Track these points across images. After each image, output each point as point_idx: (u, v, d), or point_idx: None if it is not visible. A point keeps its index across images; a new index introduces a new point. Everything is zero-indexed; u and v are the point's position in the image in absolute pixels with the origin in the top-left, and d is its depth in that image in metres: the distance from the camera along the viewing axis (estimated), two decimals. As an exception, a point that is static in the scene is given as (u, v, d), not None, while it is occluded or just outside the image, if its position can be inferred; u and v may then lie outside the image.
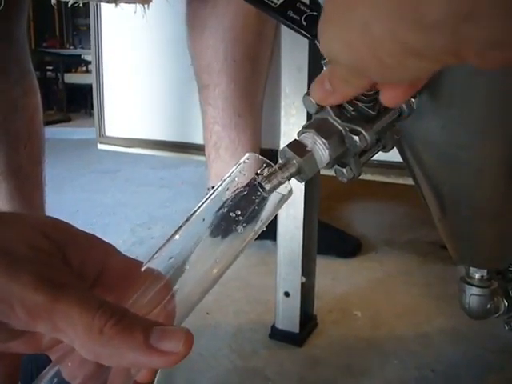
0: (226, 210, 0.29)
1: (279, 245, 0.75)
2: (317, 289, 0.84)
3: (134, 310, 0.24)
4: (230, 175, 0.30)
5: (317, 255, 0.83)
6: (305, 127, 0.33)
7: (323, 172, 1.07)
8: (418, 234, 1.29)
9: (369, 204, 1.61)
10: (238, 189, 0.30)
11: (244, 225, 0.29)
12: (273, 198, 0.31)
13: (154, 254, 0.27)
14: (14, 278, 0.21)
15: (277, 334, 0.78)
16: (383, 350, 0.77)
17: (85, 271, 0.26)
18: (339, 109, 0.34)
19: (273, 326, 0.80)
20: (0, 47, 0.73)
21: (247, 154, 0.31)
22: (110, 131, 1.46)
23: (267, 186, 0.30)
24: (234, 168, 0.30)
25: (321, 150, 0.32)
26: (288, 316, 0.77)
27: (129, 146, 1.41)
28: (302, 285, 0.75)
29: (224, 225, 0.29)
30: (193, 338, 0.23)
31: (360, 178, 1.15)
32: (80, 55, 5.08)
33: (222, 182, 0.30)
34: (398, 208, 1.55)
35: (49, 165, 0.89)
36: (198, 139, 1.25)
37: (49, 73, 4.68)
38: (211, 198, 0.30)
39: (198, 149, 1.24)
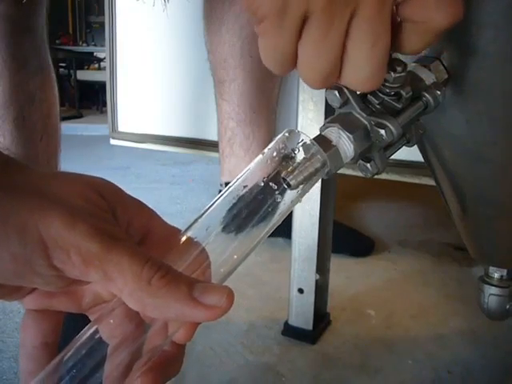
0: (248, 201, 0.29)
1: (294, 241, 0.75)
2: (330, 287, 0.84)
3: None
4: (250, 166, 0.30)
5: (331, 254, 0.82)
6: (329, 122, 0.33)
7: (338, 171, 1.06)
8: (433, 235, 1.28)
9: (383, 204, 1.61)
10: (256, 183, 0.30)
11: (264, 217, 0.29)
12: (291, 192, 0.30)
13: (191, 225, 0.27)
14: (72, 227, 0.22)
15: (290, 331, 0.78)
16: (397, 349, 0.76)
17: (130, 231, 0.27)
18: (364, 102, 0.34)
19: (286, 323, 0.79)
20: (20, 39, 0.74)
21: (286, 131, 0.30)
22: (122, 127, 1.46)
23: (292, 182, 0.29)
24: (272, 144, 0.30)
25: (346, 144, 0.32)
26: (301, 313, 0.76)
27: (141, 142, 1.42)
28: (316, 282, 0.75)
29: (244, 216, 0.29)
30: (234, 295, 0.24)
31: (375, 177, 1.14)
32: (92, 52, 5.11)
33: (245, 173, 0.30)
34: (412, 208, 1.54)
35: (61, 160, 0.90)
36: (210, 135, 1.25)
37: (61, 69, 4.72)
38: (233, 187, 0.29)
39: (211, 145, 1.24)
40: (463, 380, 0.69)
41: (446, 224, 0.60)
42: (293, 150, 0.31)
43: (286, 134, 0.30)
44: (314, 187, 0.75)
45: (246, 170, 0.30)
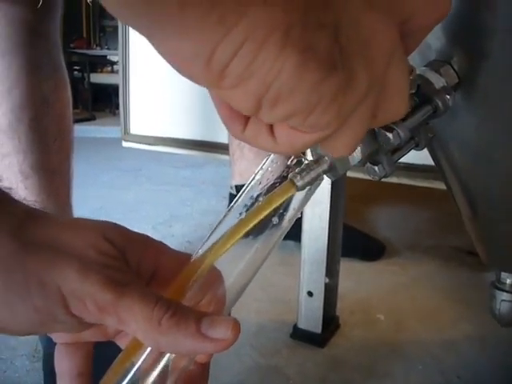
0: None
1: (303, 244, 0.75)
2: (339, 291, 0.84)
3: (188, 297, 0.27)
4: (261, 167, 0.30)
5: (341, 257, 0.82)
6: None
7: (348, 174, 1.06)
8: (443, 239, 1.27)
9: (393, 208, 1.60)
10: (268, 183, 0.30)
11: (276, 221, 0.29)
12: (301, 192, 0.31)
13: (200, 248, 0.28)
14: (86, 279, 0.24)
15: (298, 334, 0.78)
16: (407, 353, 0.76)
17: (141, 270, 0.28)
18: (373, 105, 0.34)
19: (295, 326, 0.79)
20: (35, 44, 0.75)
21: None
22: (134, 129, 1.48)
23: (299, 183, 0.30)
24: (264, 161, 0.30)
25: None
26: (310, 316, 0.76)
27: (153, 144, 1.43)
28: (326, 285, 0.75)
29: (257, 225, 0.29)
30: (239, 326, 0.25)
31: (385, 180, 1.13)
32: (106, 56, 5.16)
33: (255, 176, 0.30)
34: (422, 212, 1.53)
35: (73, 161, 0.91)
36: (221, 138, 1.25)
37: (75, 72, 4.78)
38: (244, 193, 0.30)
39: (222, 148, 1.25)
40: (473, 385, 0.69)
41: (457, 228, 0.60)
42: (303, 154, 0.31)
43: None
44: (323, 190, 0.75)
45: (252, 177, 0.30)
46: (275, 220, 0.29)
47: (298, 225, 0.77)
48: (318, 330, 0.77)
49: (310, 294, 0.75)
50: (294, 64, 0.18)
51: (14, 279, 0.24)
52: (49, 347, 0.70)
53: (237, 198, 0.30)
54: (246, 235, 0.29)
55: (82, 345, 0.30)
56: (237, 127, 0.24)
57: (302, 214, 0.75)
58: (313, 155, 0.31)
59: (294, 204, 0.30)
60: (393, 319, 0.87)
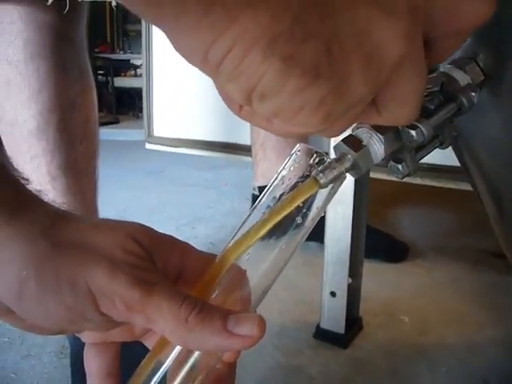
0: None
1: (327, 244, 0.75)
2: (363, 292, 0.83)
3: (214, 298, 0.27)
4: (283, 168, 0.31)
5: (364, 259, 0.82)
6: (360, 122, 0.33)
7: (372, 175, 1.05)
8: (469, 241, 1.25)
9: (418, 210, 1.58)
10: (291, 183, 0.30)
11: (299, 220, 0.29)
12: (324, 191, 0.31)
13: (224, 249, 0.29)
14: (115, 278, 0.25)
15: (321, 334, 0.78)
16: (431, 356, 0.75)
17: (167, 271, 0.29)
18: (396, 103, 0.34)
19: (317, 326, 0.79)
20: (61, 47, 0.77)
21: (298, 145, 0.31)
22: (158, 131, 1.49)
23: (322, 181, 0.30)
24: (287, 161, 0.31)
25: (376, 144, 0.32)
26: (333, 316, 0.76)
27: (176, 146, 1.44)
28: (349, 286, 0.74)
29: (279, 225, 0.29)
30: (265, 322, 0.26)
31: (409, 181, 1.13)
32: (129, 60, 5.24)
33: (277, 176, 0.31)
34: (448, 214, 1.50)
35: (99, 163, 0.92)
36: (244, 140, 1.26)
37: (100, 77, 4.86)
38: (267, 194, 0.30)
39: (245, 149, 1.26)
40: (500, 390, 0.68)
41: (484, 230, 0.59)
42: (325, 153, 0.31)
43: (305, 148, 0.31)
44: (347, 190, 0.75)
45: (275, 177, 0.30)
46: (299, 219, 0.29)
47: (321, 226, 0.76)
48: (341, 330, 0.76)
49: (333, 294, 0.75)
50: (276, 70, 0.20)
51: (46, 278, 0.25)
52: (76, 344, 0.72)
53: (260, 198, 0.30)
54: (270, 235, 0.29)
55: (110, 345, 0.31)
56: (234, 107, 0.26)
57: (324, 214, 0.75)
58: (336, 153, 0.31)
59: (318, 203, 0.30)
60: (417, 321, 0.86)
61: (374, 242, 1.06)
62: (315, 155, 0.30)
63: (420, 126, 0.33)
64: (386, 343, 0.79)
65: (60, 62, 0.77)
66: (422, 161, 1.02)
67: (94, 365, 0.31)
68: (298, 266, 1.08)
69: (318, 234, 0.77)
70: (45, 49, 0.74)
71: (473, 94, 0.37)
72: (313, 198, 0.30)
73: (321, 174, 0.29)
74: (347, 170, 0.31)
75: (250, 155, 1.18)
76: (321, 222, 0.81)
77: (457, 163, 0.54)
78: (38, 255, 0.25)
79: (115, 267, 0.25)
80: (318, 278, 0.79)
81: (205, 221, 1.46)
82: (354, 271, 0.76)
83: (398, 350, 0.77)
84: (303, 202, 0.29)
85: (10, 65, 0.74)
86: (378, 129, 0.32)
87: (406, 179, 1.09)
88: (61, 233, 0.27)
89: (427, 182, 1.04)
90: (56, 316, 0.26)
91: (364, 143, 0.32)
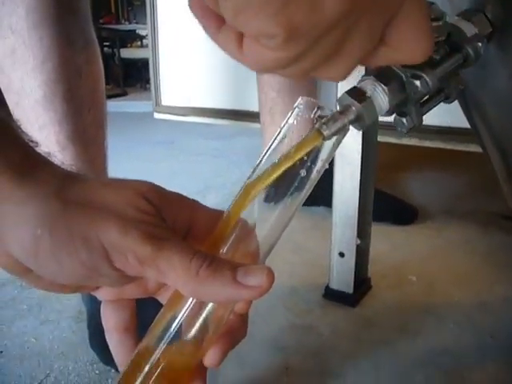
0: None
1: (335, 205, 0.75)
2: (372, 254, 0.84)
3: (224, 252, 0.28)
4: (286, 121, 0.31)
5: (373, 222, 0.82)
6: (365, 74, 0.33)
7: (382, 139, 1.04)
8: (480, 204, 1.25)
9: (428, 174, 1.57)
10: (294, 136, 0.30)
11: (304, 172, 0.30)
12: (328, 142, 0.31)
13: (230, 205, 0.29)
14: (127, 234, 0.26)
15: (331, 294, 0.79)
16: (439, 314, 0.76)
17: (177, 227, 0.30)
18: (400, 54, 0.33)
19: (327, 287, 0.81)
20: (66, 17, 0.76)
21: (300, 98, 0.31)
22: (165, 100, 1.49)
23: (326, 133, 0.30)
24: (289, 114, 0.31)
25: (380, 96, 0.32)
26: (342, 276, 0.77)
27: (184, 115, 1.44)
28: (357, 246, 0.75)
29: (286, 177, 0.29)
30: (273, 273, 0.26)
31: (419, 145, 1.12)
32: (135, 30, 5.17)
33: (280, 130, 0.31)
34: (458, 178, 1.50)
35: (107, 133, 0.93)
36: (252, 106, 1.25)
37: (106, 48, 4.81)
38: (271, 147, 0.30)
39: (254, 116, 1.25)
40: (506, 345, 0.69)
41: (494, 193, 0.58)
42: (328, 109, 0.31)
43: (307, 102, 0.30)
44: (354, 151, 0.75)
45: (278, 131, 0.30)
46: (303, 172, 0.30)
47: (329, 190, 0.77)
48: (350, 290, 0.77)
49: (341, 254, 0.76)
50: None
51: (60, 237, 0.26)
52: (92, 309, 0.74)
53: (263, 153, 0.30)
54: (275, 190, 0.29)
55: (125, 301, 0.32)
56: (210, 31, 0.26)
57: (332, 175, 0.75)
58: (340, 105, 0.31)
59: (322, 155, 0.31)
60: (426, 281, 0.86)
61: (384, 205, 1.06)
62: (317, 108, 0.30)
63: (425, 76, 0.33)
64: (395, 302, 0.80)
65: (64, 32, 0.77)
66: (432, 123, 1.03)
67: (112, 321, 0.32)
68: (307, 229, 1.09)
69: (326, 198, 0.78)
70: (47, 18, 0.74)
71: (479, 44, 0.37)
72: (317, 150, 0.30)
73: (324, 126, 0.29)
74: (351, 122, 0.31)
75: (259, 122, 1.17)
76: (329, 187, 0.81)
77: (467, 125, 0.53)
78: (50, 215, 0.26)
79: (127, 224, 0.26)
80: (327, 242, 0.79)
81: (215, 189, 1.47)
82: (363, 232, 0.76)
83: (406, 309, 0.78)
84: (307, 155, 0.30)
85: (13, 34, 0.74)
86: (382, 80, 0.32)
87: (415, 142, 1.09)
88: (72, 192, 0.27)
89: (437, 144, 1.03)
90: (71, 272, 0.27)
91: (368, 95, 0.31)
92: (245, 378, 0.63)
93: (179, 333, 0.28)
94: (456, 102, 0.51)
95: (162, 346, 0.28)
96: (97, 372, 0.65)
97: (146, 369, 0.28)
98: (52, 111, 0.78)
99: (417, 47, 0.27)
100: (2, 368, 0.66)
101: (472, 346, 0.69)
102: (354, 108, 0.31)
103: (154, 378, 0.28)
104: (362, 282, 0.80)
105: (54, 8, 0.75)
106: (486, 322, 0.74)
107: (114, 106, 3.26)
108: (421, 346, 0.69)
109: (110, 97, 3.75)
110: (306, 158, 0.30)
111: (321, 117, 0.30)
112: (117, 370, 0.65)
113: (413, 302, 0.80)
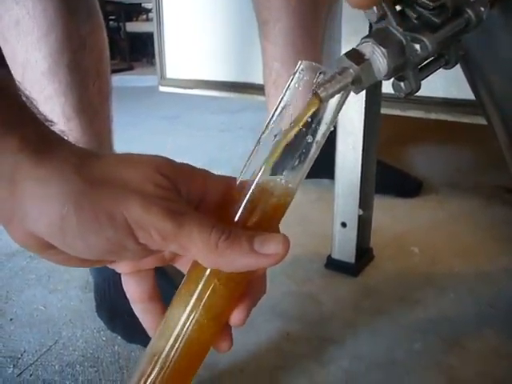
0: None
1: (337, 176, 0.76)
2: (375, 226, 0.85)
3: (240, 216, 0.29)
4: (288, 86, 0.31)
5: (376, 194, 0.83)
6: (365, 37, 0.33)
7: (387, 111, 1.03)
8: (484, 178, 1.24)
9: (433, 147, 1.56)
10: (297, 100, 0.30)
11: (310, 139, 0.30)
12: (330, 105, 0.31)
13: (243, 169, 0.30)
14: (149, 211, 0.27)
15: (332, 264, 0.80)
16: (440, 284, 0.77)
17: (190, 197, 0.31)
18: (401, 17, 0.33)
19: (329, 256, 0.81)
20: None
21: (300, 62, 0.31)
22: (170, 73, 1.48)
23: (323, 94, 0.30)
24: (291, 79, 0.31)
25: (379, 58, 0.32)
26: (344, 246, 0.78)
27: (189, 88, 1.43)
28: (359, 217, 0.75)
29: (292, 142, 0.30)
30: (289, 240, 0.28)
31: (424, 117, 1.10)
32: (140, 4, 5.10)
33: (283, 96, 0.31)
34: (463, 151, 1.49)
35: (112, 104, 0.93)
36: (258, 79, 1.24)
37: (111, 22, 4.77)
38: (276, 114, 0.30)
39: (259, 89, 1.24)
40: (506, 315, 0.69)
41: (499, 167, 0.57)
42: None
43: (307, 65, 0.30)
44: (356, 121, 0.74)
45: (276, 105, 0.30)
46: (309, 138, 0.30)
47: (332, 163, 0.77)
48: (352, 260, 0.78)
49: (343, 224, 0.77)
50: None
51: (84, 214, 0.27)
52: (98, 279, 0.76)
53: (268, 120, 0.31)
54: (283, 157, 0.30)
55: (145, 272, 0.33)
56: None
57: (335, 146, 0.75)
58: (337, 67, 0.31)
59: (326, 118, 0.31)
60: (428, 253, 0.87)
61: (387, 177, 1.07)
62: (320, 73, 0.30)
63: (425, 39, 0.32)
64: (396, 272, 0.80)
65: (67, 2, 0.77)
66: (438, 95, 1.02)
67: (136, 293, 0.33)
68: (311, 201, 1.10)
69: (331, 171, 0.78)
70: None
71: (482, 9, 0.36)
72: (321, 113, 0.30)
73: (321, 88, 0.29)
74: (349, 84, 0.31)
75: (263, 94, 1.16)
76: (332, 159, 0.81)
77: (472, 97, 0.53)
78: (73, 193, 0.27)
79: (147, 200, 0.27)
80: (331, 213, 0.80)
81: (221, 164, 1.47)
82: (365, 203, 0.77)
83: (407, 279, 0.79)
84: (311, 119, 0.30)
85: (18, 4, 0.73)
86: (382, 43, 0.32)
87: (421, 115, 1.08)
88: (91, 170, 0.28)
89: (442, 116, 1.02)
90: (98, 248, 0.28)
91: (367, 57, 0.31)
92: (248, 342, 0.65)
93: None
94: (462, 73, 0.51)
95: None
96: (103, 339, 0.66)
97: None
98: (57, 82, 0.78)
99: None
100: (12, 334, 0.67)
101: (471, 314, 0.70)
102: (351, 71, 0.31)
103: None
104: (363, 252, 0.81)
105: None
106: (485, 292, 0.74)
107: (120, 80, 3.26)
108: (420, 314, 0.70)
109: (116, 71, 3.74)
110: (310, 121, 0.30)
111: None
112: (122, 337, 0.67)
113: (414, 273, 0.81)
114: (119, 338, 0.66)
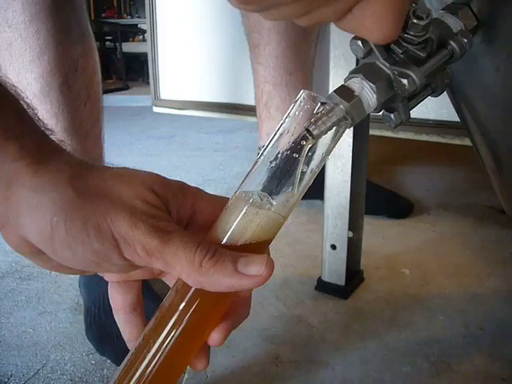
0: (282, 162, 0.30)
1: (326, 198, 0.76)
2: (366, 247, 0.85)
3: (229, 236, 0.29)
4: (287, 115, 0.31)
5: (368, 215, 0.83)
6: (352, 72, 0.33)
7: (377, 132, 1.04)
8: (475, 198, 1.25)
9: (424, 168, 1.58)
10: (296, 129, 0.30)
11: (305, 169, 0.30)
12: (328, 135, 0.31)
13: (236, 192, 0.30)
14: (135, 226, 0.27)
15: (323, 286, 0.80)
16: (430, 306, 0.77)
17: (180, 215, 0.31)
18: (387, 52, 0.33)
19: (319, 279, 0.81)
20: (60, 9, 0.76)
21: (301, 91, 0.31)
22: (164, 94, 1.50)
23: (315, 132, 0.30)
24: (291, 108, 0.31)
25: (368, 94, 0.32)
26: (334, 269, 0.78)
27: (183, 108, 1.45)
28: (349, 239, 0.76)
29: (280, 178, 0.30)
30: (273, 263, 0.28)
31: (415, 138, 1.12)
32: (136, 24, 5.17)
33: (282, 123, 0.31)
34: (454, 172, 1.50)
35: (108, 130, 0.93)
36: (250, 100, 1.26)
37: (108, 43, 4.81)
38: (273, 141, 0.31)
39: (251, 110, 1.25)
40: (494, 337, 0.69)
41: (490, 187, 0.58)
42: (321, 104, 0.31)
43: (308, 95, 0.31)
44: (345, 144, 0.75)
45: (275, 131, 0.31)
46: (304, 168, 0.30)
47: (324, 183, 0.77)
48: (342, 282, 0.78)
49: (333, 247, 0.77)
50: None
51: (74, 225, 0.27)
52: (89, 301, 0.75)
53: (265, 146, 0.31)
54: (277, 184, 0.30)
55: (132, 283, 0.34)
56: None
57: (324, 169, 0.75)
58: (329, 104, 0.31)
59: (320, 150, 0.31)
60: (418, 274, 0.87)
61: (378, 199, 1.07)
62: (320, 104, 0.30)
63: (412, 74, 0.33)
64: (386, 294, 0.80)
65: (60, 24, 0.77)
66: (429, 117, 1.04)
67: (119, 302, 0.34)
68: (302, 223, 1.10)
69: (322, 192, 0.78)
70: (44, 10, 0.74)
71: (465, 40, 0.37)
72: (315, 146, 0.30)
73: (313, 126, 0.30)
74: (340, 121, 0.31)
75: (255, 115, 1.18)
76: (324, 179, 0.81)
77: (462, 119, 0.54)
78: (65, 203, 0.27)
79: (135, 217, 0.27)
80: (322, 235, 0.80)
81: (215, 183, 1.47)
82: (355, 225, 0.77)
83: (397, 300, 0.79)
84: (307, 151, 0.30)
85: (10, 27, 0.74)
86: (370, 78, 0.32)
87: (411, 136, 1.09)
88: (85, 181, 0.28)
89: (434, 138, 1.04)
90: (84, 259, 0.28)
91: (356, 93, 0.32)
92: (235, 366, 0.64)
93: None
94: (448, 96, 0.52)
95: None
96: (92, 362, 0.66)
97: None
98: (48, 103, 0.79)
99: (376, 28, 0.28)
100: (0, 358, 0.67)
101: (460, 336, 0.69)
102: (342, 107, 0.31)
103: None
104: (354, 274, 0.81)
105: (49, 0, 0.75)
106: (475, 314, 0.74)
107: (116, 100, 3.28)
108: (410, 337, 0.69)
109: (112, 91, 3.77)
110: (306, 152, 0.30)
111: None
112: (112, 360, 0.66)
113: (404, 295, 0.81)
114: (108, 361, 0.65)
